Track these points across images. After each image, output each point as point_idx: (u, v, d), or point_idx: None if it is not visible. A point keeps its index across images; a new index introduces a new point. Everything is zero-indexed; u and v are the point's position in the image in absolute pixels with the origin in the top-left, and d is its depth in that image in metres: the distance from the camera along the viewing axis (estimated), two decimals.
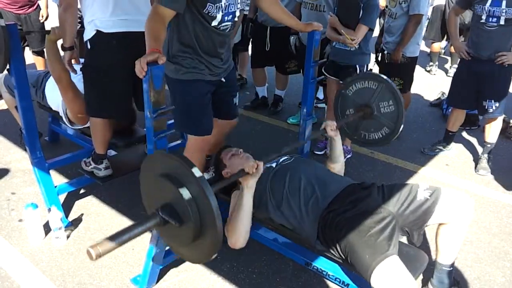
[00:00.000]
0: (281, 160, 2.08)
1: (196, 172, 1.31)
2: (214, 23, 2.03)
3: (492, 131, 3.34)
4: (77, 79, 2.94)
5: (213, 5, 1.97)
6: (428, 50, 6.85)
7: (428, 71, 5.96)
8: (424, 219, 1.81)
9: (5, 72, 2.40)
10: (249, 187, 1.78)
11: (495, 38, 3.05)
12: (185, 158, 1.40)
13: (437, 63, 6.00)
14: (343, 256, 1.71)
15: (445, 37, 5.70)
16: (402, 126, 2.24)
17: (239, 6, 2.08)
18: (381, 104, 2.26)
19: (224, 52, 2.19)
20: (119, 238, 1.25)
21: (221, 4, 1.98)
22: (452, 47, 5.59)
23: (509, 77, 3.16)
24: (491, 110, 3.21)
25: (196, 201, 1.33)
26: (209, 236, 1.34)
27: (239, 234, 1.83)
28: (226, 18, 2.04)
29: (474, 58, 3.19)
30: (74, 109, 2.74)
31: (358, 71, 3.13)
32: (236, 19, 2.11)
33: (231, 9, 2.04)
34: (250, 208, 1.82)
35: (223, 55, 2.19)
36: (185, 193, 1.32)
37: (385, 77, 2.27)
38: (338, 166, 2.26)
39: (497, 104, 3.17)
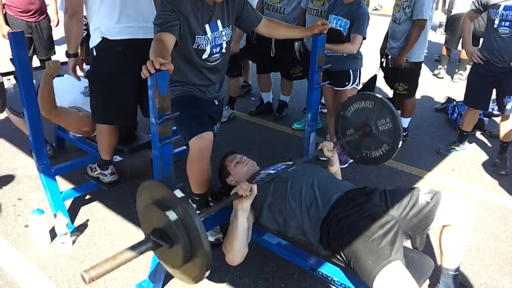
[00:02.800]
0: (281, 167, 2.08)
1: (178, 193, 1.38)
2: (205, 55, 2.12)
3: (507, 129, 3.37)
4: (77, 91, 2.97)
5: (201, 37, 2.05)
6: (435, 55, 6.84)
7: (436, 75, 5.93)
8: (426, 223, 1.81)
9: (11, 81, 2.44)
10: (243, 209, 1.81)
11: (508, 43, 3.11)
12: (167, 182, 1.48)
13: (445, 66, 5.96)
14: (346, 261, 1.70)
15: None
16: (400, 143, 2.29)
17: (224, 38, 2.16)
18: (379, 122, 2.31)
19: (218, 77, 2.27)
20: (112, 262, 1.32)
21: (208, 37, 2.07)
22: (462, 53, 5.60)
23: None
24: (509, 107, 3.24)
25: (182, 222, 1.39)
26: (199, 254, 1.39)
27: (236, 252, 1.85)
28: (214, 50, 2.13)
29: (488, 61, 3.25)
30: (70, 129, 2.82)
31: (351, 76, 3.17)
32: (224, 50, 2.18)
33: (217, 42, 2.12)
34: (245, 228, 1.85)
35: (216, 80, 2.26)
36: (172, 215, 1.40)
37: (380, 96, 2.32)
38: (334, 170, 2.32)
39: None
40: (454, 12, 5.56)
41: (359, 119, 2.38)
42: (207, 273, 1.41)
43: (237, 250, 1.85)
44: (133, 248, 1.41)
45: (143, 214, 1.59)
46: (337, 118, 2.50)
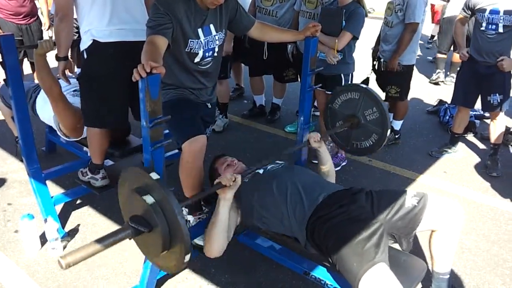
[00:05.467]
0: (268, 167, 2.09)
1: (154, 176, 1.38)
2: (197, 59, 2.11)
3: (497, 131, 3.42)
4: (68, 93, 2.94)
5: (194, 41, 2.05)
6: (429, 58, 6.86)
7: (434, 80, 5.73)
8: (412, 226, 1.82)
9: (2, 82, 2.41)
10: (226, 199, 1.81)
11: (495, 45, 3.20)
12: (145, 167, 1.48)
13: (444, 70, 5.80)
14: (332, 263, 1.71)
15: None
16: (388, 131, 2.31)
17: (217, 42, 2.16)
18: (366, 112, 2.33)
19: (210, 80, 2.27)
20: (90, 248, 1.31)
21: (201, 41, 2.07)
22: (454, 57, 5.60)
23: (509, 72, 3.26)
24: (496, 103, 3.31)
25: (159, 205, 1.38)
26: (178, 238, 1.37)
27: (213, 244, 1.86)
28: (207, 54, 2.13)
29: (476, 61, 3.30)
30: (66, 122, 2.75)
31: (343, 80, 3.18)
32: (215, 54, 2.19)
33: (210, 46, 2.12)
34: (225, 220, 1.85)
35: (208, 83, 2.26)
36: (149, 199, 1.39)
37: (364, 86, 2.34)
38: (328, 168, 2.31)
39: (501, 97, 3.28)
40: (446, 14, 5.55)
41: (347, 111, 2.40)
42: (187, 258, 1.40)
43: (213, 241, 1.85)
44: (111, 235, 1.40)
45: (124, 204, 1.56)
46: (326, 110, 2.53)
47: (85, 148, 2.92)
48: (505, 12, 3.08)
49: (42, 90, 2.94)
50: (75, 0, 2.31)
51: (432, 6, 6.55)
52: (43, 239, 2.50)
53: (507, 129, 3.90)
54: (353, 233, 1.67)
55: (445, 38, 5.60)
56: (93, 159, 2.62)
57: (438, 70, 5.83)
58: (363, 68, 4.24)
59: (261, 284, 2.26)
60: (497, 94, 3.28)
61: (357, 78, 3.56)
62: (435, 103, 4.83)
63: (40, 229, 2.53)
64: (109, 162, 2.93)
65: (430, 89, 5.58)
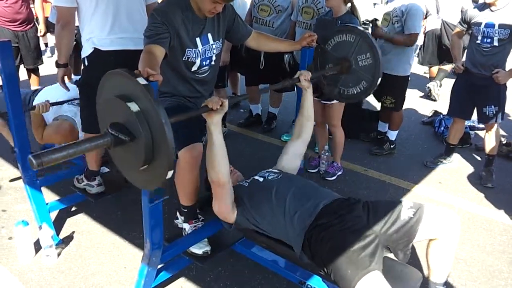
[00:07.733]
0: (268, 176, 2.09)
1: (141, 81, 1.27)
2: (194, 68, 2.13)
3: (492, 142, 3.44)
4: (72, 103, 2.97)
5: (192, 50, 2.06)
6: (422, 70, 6.90)
7: (430, 96, 5.69)
8: (408, 239, 1.81)
9: None
10: (214, 123, 1.78)
11: (490, 58, 3.23)
12: (131, 71, 1.36)
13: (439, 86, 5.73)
14: (327, 272, 1.70)
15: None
16: (379, 79, 2.23)
17: (214, 51, 2.17)
18: (359, 58, 2.25)
19: (207, 88, 2.28)
20: (65, 150, 1.23)
21: (199, 50, 2.08)
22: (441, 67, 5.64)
23: (505, 84, 3.30)
24: (491, 115, 3.33)
25: (145, 114, 1.29)
26: (162, 151, 1.29)
27: (218, 169, 1.83)
28: (204, 63, 2.14)
29: (471, 73, 3.34)
30: (56, 142, 2.89)
31: None
32: (213, 63, 2.20)
33: (207, 54, 2.14)
34: (221, 143, 1.82)
35: (205, 91, 2.28)
36: (133, 106, 1.29)
37: (362, 29, 2.26)
38: (306, 121, 2.31)
39: (497, 109, 3.31)
40: (427, 29, 5.53)
41: (339, 53, 2.32)
42: (169, 174, 1.32)
43: (219, 168, 1.83)
44: (89, 140, 1.31)
45: (102, 110, 1.44)
46: (316, 51, 2.42)
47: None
48: (500, 26, 3.12)
49: (38, 95, 2.95)
50: (77, 8, 2.33)
51: None
52: (37, 246, 2.48)
53: (501, 140, 3.94)
54: (349, 242, 1.67)
55: (427, 52, 5.58)
56: (90, 165, 2.62)
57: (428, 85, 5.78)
58: None
59: None
60: (493, 106, 3.31)
61: None
62: (430, 114, 4.87)
63: (35, 236, 2.51)
64: (105, 169, 2.92)
65: (425, 100, 5.63)
